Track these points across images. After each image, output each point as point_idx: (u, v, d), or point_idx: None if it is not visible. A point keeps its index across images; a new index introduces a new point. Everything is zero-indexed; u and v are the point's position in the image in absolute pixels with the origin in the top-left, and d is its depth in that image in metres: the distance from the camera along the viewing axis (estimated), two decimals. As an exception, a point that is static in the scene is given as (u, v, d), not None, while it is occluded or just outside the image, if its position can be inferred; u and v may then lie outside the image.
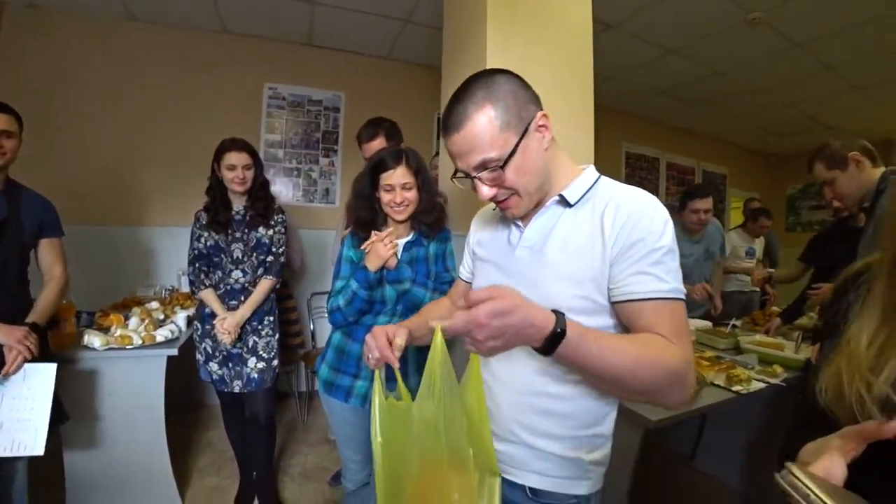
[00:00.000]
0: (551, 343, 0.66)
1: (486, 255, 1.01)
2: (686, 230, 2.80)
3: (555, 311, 0.69)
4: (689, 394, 0.79)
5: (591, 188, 0.87)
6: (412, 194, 1.47)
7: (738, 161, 6.18)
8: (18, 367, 1.57)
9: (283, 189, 3.52)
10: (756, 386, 1.82)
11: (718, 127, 5.41)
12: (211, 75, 3.29)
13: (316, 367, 1.62)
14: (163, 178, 3.19)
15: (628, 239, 0.77)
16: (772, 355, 2.18)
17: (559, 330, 0.66)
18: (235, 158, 1.95)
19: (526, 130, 0.80)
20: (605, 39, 3.28)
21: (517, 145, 0.79)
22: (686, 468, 2.51)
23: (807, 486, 0.41)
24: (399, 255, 1.50)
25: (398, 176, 1.44)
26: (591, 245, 0.80)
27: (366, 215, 1.51)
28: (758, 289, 3.83)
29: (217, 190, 2.01)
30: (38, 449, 1.57)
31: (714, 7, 2.86)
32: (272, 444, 2.21)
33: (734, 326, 2.64)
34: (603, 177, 0.89)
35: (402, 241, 1.53)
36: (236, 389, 1.99)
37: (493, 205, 0.98)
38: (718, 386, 1.82)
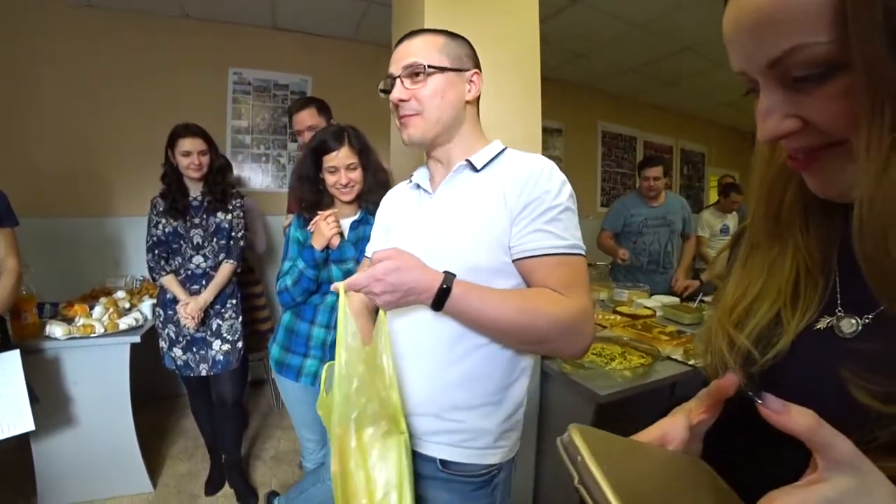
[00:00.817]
0: (439, 299, 0.76)
1: (395, 224, 1.02)
2: (641, 196, 3.10)
3: (445, 272, 0.78)
4: (584, 345, 0.84)
5: (496, 156, 0.92)
6: (357, 174, 1.47)
7: (717, 139, 6.19)
8: None
9: (251, 175, 3.49)
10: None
11: (695, 104, 5.40)
12: (174, 62, 3.22)
13: (268, 348, 1.64)
14: (128, 167, 3.15)
15: (526, 199, 0.83)
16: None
17: (445, 287, 0.76)
18: (190, 144, 1.94)
19: (459, 70, 0.89)
20: (571, 14, 3.25)
21: (446, 69, 0.87)
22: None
23: (578, 449, 0.34)
24: (346, 235, 1.51)
25: (341, 157, 1.44)
26: (495, 207, 0.85)
27: (311, 197, 1.51)
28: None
29: (173, 177, 1.99)
30: (28, 424, 1.67)
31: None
32: (241, 427, 2.23)
33: (702, 301, 2.68)
34: (510, 149, 0.94)
35: (348, 221, 1.54)
36: (203, 373, 2.00)
37: (400, 185, 1.09)
38: (675, 360, 1.85)
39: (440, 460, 0.88)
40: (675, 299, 2.86)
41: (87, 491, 2.09)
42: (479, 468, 0.88)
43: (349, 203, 1.51)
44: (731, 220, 3.98)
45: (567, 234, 0.83)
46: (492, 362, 0.87)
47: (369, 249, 1.10)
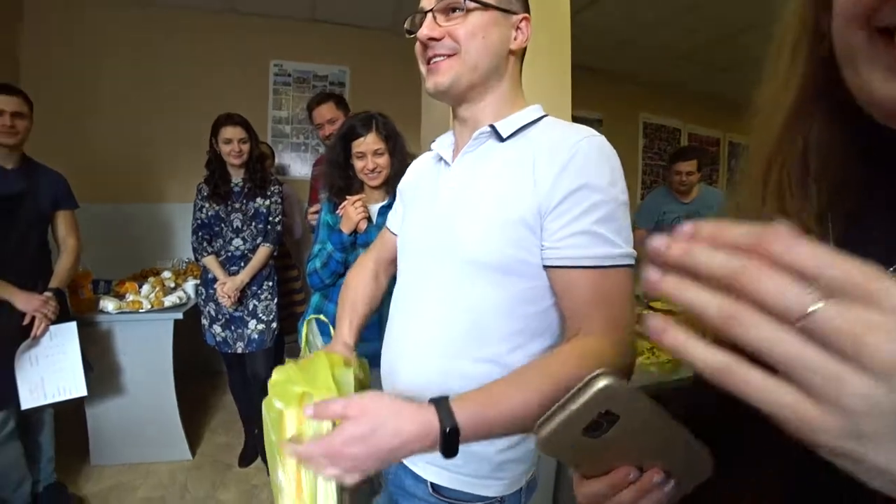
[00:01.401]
0: (448, 445, 0.54)
1: (412, 199, 0.89)
2: (672, 191, 2.88)
3: (433, 401, 0.56)
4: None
5: (530, 124, 0.73)
6: (384, 160, 1.50)
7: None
8: (45, 331, 1.77)
9: (290, 163, 3.62)
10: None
11: (747, 94, 5.03)
12: (220, 55, 3.38)
13: (297, 328, 1.71)
14: (177, 156, 3.33)
15: (570, 185, 0.64)
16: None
17: (448, 429, 0.53)
18: (231, 132, 2.04)
19: (506, 11, 0.72)
20: (612, 2, 3.16)
21: (490, 6, 0.70)
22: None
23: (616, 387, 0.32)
24: (374, 220, 1.55)
25: (368, 143, 1.47)
26: (519, 188, 0.67)
27: (340, 182, 1.55)
28: None
29: (216, 163, 2.11)
30: (82, 390, 1.86)
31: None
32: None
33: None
34: (550, 117, 0.76)
35: (377, 206, 1.57)
36: (239, 350, 2.11)
37: (424, 156, 0.94)
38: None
39: (431, 484, 0.76)
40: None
41: (132, 454, 2.25)
42: (472, 498, 0.75)
43: (377, 188, 1.55)
44: None
45: (621, 239, 0.64)
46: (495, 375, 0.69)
47: (389, 219, 0.99)
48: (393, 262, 0.93)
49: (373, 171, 1.49)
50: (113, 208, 3.21)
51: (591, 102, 4.24)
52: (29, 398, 1.77)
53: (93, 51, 3.19)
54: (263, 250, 2.12)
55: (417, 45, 0.74)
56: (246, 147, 2.08)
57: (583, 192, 0.63)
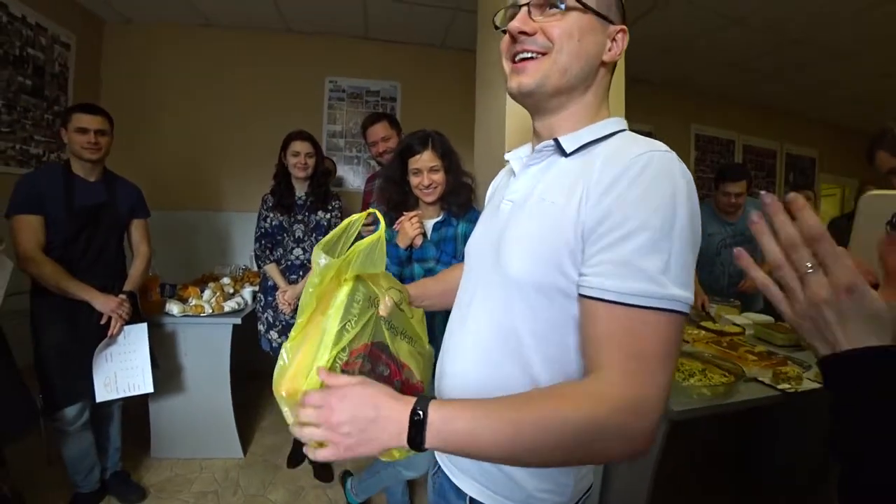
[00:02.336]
0: (414, 433, 0.53)
1: (486, 210, 0.88)
2: (718, 211, 2.72)
3: (420, 396, 0.57)
4: (632, 449, 0.53)
5: (601, 139, 0.66)
6: (439, 177, 1.55)
7: (830, 142, 5.56)
8: (120, 331, 1.92)
9: (344, 176, 3.76)
10: (809, 385, 1.69)
11: (803, 103, 4.87)
12: (277, 72, 3.58)
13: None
14: (237, 168, 3.53)
15: (614, 206, 0.56)
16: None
17: (416, 417, 0.53)
18: (299, 146, 2.17)
19: (603, 17, 0.66)
20: (662, 11, 3.11)
21: (589, 9, 0.65)
22: (724, 472, 2.35)
23: None
24: (429, 236, 1.59)
25: (425, 160, 1.53)
26: (566, 207, 0.61)
27: (397, 198, 1.62)
28: None
29: (282, 175, 2.24)
30: (149, 387, 2.01)
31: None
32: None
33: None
34: (627, 132, 0.68)
35: (431, 222, 1.62)
36: (293, 356, 2.20)
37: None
38: (762, 383, 1.71)
39: (470, 498, 0.74)
40: (769, 318, 2.64)
41: (189, 449, 2.39)
42: None
43: (432, 204, 1.60)
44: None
45: (669, 278, 0.53)
46: None
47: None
48: None
49: (428, 186, 1.54)
50: (175, 216, 3.43)
51: (639, 114, 4.17)
52: (103, 392, 1.92)
53: (159, 69, 3.47)
54: (323, 261, 2.22)
55: (505, 39, 0.69)
56: (311, 161, 2.19)
57: (628, 213, 0.54)
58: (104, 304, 1.87)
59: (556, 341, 0.63)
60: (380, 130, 2.29)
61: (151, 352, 2.03)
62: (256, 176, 3.35)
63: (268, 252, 2.23)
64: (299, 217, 2.24)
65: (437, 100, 3.68)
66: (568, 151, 0.67)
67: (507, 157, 0.80)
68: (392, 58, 3.73)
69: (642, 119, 4.35)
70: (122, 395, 1.97)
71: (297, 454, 2.42)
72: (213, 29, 3.50)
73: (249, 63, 3.56)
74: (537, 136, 0.74)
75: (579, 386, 0.56)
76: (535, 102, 0.69)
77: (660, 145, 0.60)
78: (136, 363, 2.01)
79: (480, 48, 2.10)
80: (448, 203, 1.60)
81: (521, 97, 0.69)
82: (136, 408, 2.26)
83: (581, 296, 0.58)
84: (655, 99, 4.45)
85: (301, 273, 2.23)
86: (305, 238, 2.24)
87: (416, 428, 0.53)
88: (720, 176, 2.67)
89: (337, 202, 2.32)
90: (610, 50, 0.68)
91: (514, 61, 0.68)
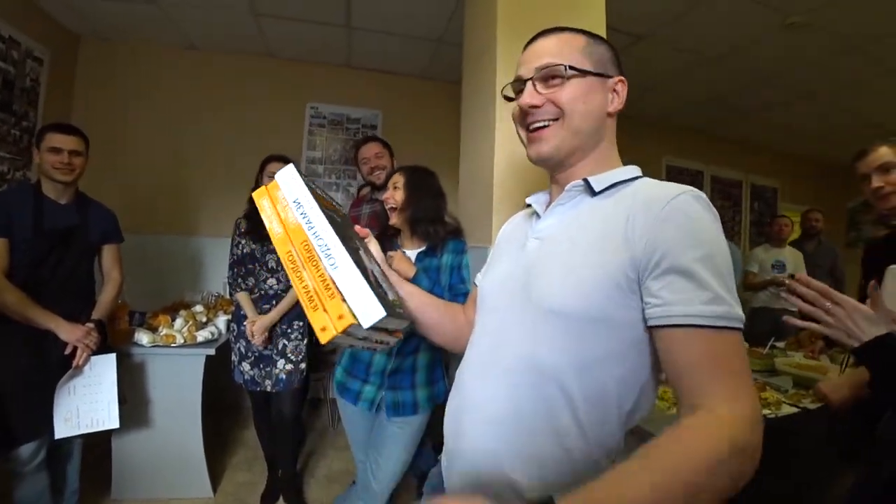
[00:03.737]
0: None
1: (500, 252, 0.89)
2: None
3: (539, 499, 0.51)
4: (757, 459, 0.55)
5: (625, 182, 0.73)
6: (399, 195, 1.58)
7: (791, 173, 5.84)
8: (86, 361, 1.82)
9: (322, 203, 3.71)
10: (787, 410, 1.74)
11: (767, 137, 5.15)
12: (258, 96, 3.56)
13: (333, 370, 1.72)
14: (212, 191, 3.45)
15: (667, 245, 0.60)
16: (809, 378, 2.06)
17: None
18: (276, 168, 2.12)
19: (602, 76, 0.74)
20: (636, 51, 3.26)
21: (587, 73, 0.72)
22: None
23: None
24: (415, 266, 1.58)
25: (394, 179, 1.63)
26: (611, 240, 0.65)
27: (385, 222, 1.64)
28: (794, 308, 3.69)
29: None
30: (114, 422, 1.88)
31: (748, 14, 2.79)
32: (297, 444, 2.32)
33: (773, 346, 2.52)
34: (646, 178, 0.75)
35: (415, 252, 1.61)
36: (267, 388, 2.11)
37: (519, 213, 0.94)
38: (743, 408, 1.75)
39: None
40: (745, 344, 2.70)
41: (153, 489, 2.24)
42: None
43: (412, 236, 1.62)
44: (791, 257, 3.74)
45: (732, 299, 0.59)
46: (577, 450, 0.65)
47: (479, 277, 0.94)
48: (472, 310, 0.91)
49: (388, 202, 1.60)
50: (144, 239, 3.30)
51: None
52: (63, 428, 1.79)
53: (136, 89, 3.40)
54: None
55: (516, 110, 0.76)
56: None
57: (681, 248, 0.59)
58: (70, 333, 1.77)
59: (598, 373, 0.64)
60: (373, 149, 2.31)
61: (119, 385, 1.92)
62: (233, 201, 3.26)
63: (240, 280, 2.16)
64: (272, 246, 2.17)
65: (418, 129, 3.71)
66: (597, 190, 0.72)
67: (529, 200, 0.85)
68: (374, 86, 3.76)
69: (619, 150, 4.49)
70: (84, 430, 1.84)
71: (272, 491, 2.30)
72: (194, 51, 3.47)
73: (229, 86, 3.52)
74: (557, 185, 0.80)
75: (704, 419, 0.54)
76: (556, 164, 0.77)
77: (688, 186, 0.65)
78: (102, 397, 1.89)
79: (466, 80, 2.13)
80: (422, 231, 1.60)
81: (542, 163, 0.76)
82: (97, 445, 2.11)
83: (664, 326, 0.59)
84: (630, 132, 4.58)
85: (274, 302, 2.15)
86: (279, 268, 2.17)
87: None
88: None
89: None
90: (612, 102, 0.76)
91: (529, 130, 0.76)
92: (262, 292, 2.16)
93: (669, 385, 0.62)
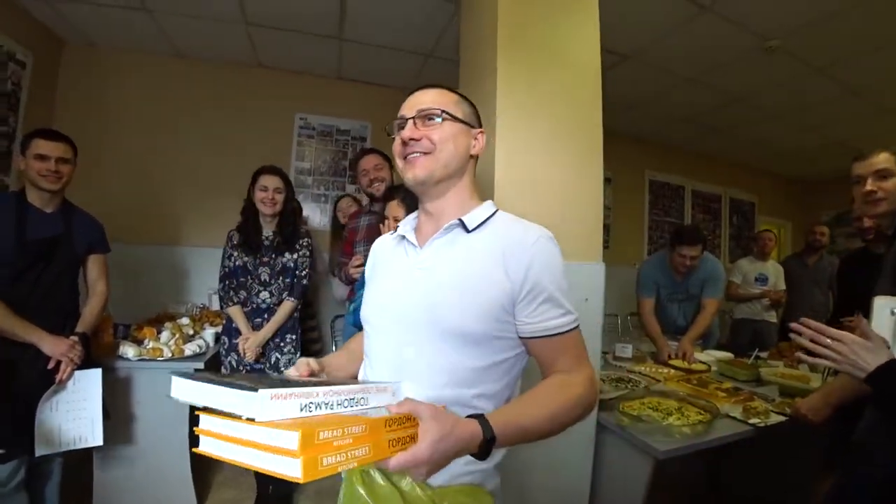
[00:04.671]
0: (485, 450, 0.69)
1: (378, 275, 1.01)
2: (671, 268, 2.84)
3: (474, 417, 0.70)
4: (593, 408, 0.88)
5: (489, 218, 0.91)
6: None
7: (768, 188, 6.07)
8: (70, 376, 1.75)
9: (310, 214, 3.69)
10: (776, 419, 1.78)
11: (744, 154, 5.36)
12: (246, 106, 3.53)
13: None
14: (197, 201, 3.40)
15: (536, 277, 0.83)
16: (794, 387, 2.12)
17: (489, 437, 0.68)
18: (268, 181, 2.11)
19: (468, 124, 0.92)
20: (621, 70, 3.36)
21: (458, 120, 0.90)
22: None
23: None
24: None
25: (392, 206, 1.70)
26: (493, 274, 0.83)
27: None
28: (773, 320, 3.84)
29: (250, 212, 2.15)
30: (98, 440, 1.82)
31: (729, 37, 2.91)
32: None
33: (757, 357, 2.58)
34: (501, 211, 0.94)
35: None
36: (258, 402, 2.07)
37: (387, 236, 1.09)
38: (734, 418, 1.78)
39: None
40: (730, 354, 2.77)
41: (138, 505, 2.15)
42: None
43: None
44: (773, 270, 3.84)
45: (573, 309, 0.86)
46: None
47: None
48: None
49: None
50: (125, 249, 3.20)
51: (599, 160, 4.40)
52: (43, 446, 1.71)
53: (121, 96, 3.34)
54: (288, 305, 2.13)
55: (396, 143, 0.90)
56: (280, 197, 2.13)
57: (546, 280, 0.83)
58: (53, 346, 1.71)
59: (492, 372, 0.86)
60: (372, 160, 2.30)
61: (103, 400, 1.85)
62: (217, 210, 3.24)
63: (231, 293, 2.12)
64: (265, 259, 2.15)
65: (407, 140, 3.73)
66: (470, 228, 0.88)
67: (401, 232, 0.98)
68: (363, 98, 3.77)
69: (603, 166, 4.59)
70: (65, 448, 1.78)
71: (260, 509, 2.24)
72: (181, 59, 3.43)
73: (217, 95, 3.49)
74: (428, 215, 0.95)
75: (569, 377, 0.84)
76: (426, 189, 0.91)
77: (540, 228, 0.89)
78: (86, 413, 1.82)
79: (463, 91, 2.16)
80: None
81: (415, 185, 0.90)
82: (76, 461, 2.03)
83: (538, 337, 0.84)
84: (614, 148, 4.69)
85: (266, 316, 2.12)
86: (272, 281, 2.15)
87: (488, 446, 0.69)
88: (677, 238, 2.74)
89: (306, 240, 2.25)
90: (474, 147, 0.93)
91: (405, 159, 0.89)
92: (255, 305, 2.13)
93: (541, 367, 0.89)
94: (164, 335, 2.29)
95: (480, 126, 0.96)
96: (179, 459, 2.19)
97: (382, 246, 1.07)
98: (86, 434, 1.82)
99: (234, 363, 2.11)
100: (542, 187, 1.77)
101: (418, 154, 0.87)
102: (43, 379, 1.71)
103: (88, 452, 1.99)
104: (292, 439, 0.47)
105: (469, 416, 0.70)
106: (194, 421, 1.81)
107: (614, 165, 4.72)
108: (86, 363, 1.82)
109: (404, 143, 0.88)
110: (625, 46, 3.09)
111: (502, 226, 0.90)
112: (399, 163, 0.91)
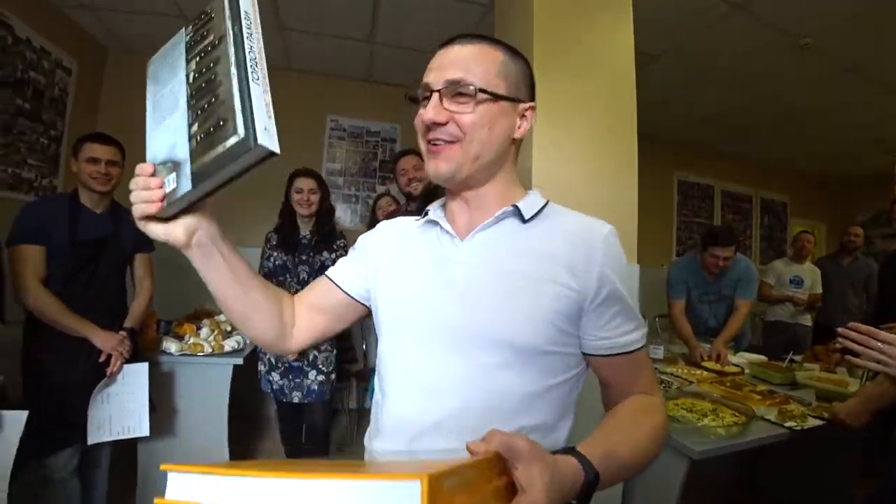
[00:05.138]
0: (587, 494, 0.56)
1: (394, 263, 0.80)
2: (703, 269, 2.81)
3: (569, 451, 0.57)
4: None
5: (543, 208, 0.75)
6: None
7: (800, 188, 5.92)
8: (119, 370, 1.85)
9: (342, 214, 3.77)
10: (812, 423, 1.75)
11: (776, 153, 5.23)
12: (279, 108, 3.57)
13: (369, 381, 1.75)
14: (235, 202, 3.47)
15: (608, 281, 0.67)
16: (832, 391, 2.08)
17: (591, 477, 0.55)
18: (303, 183, 2.19)
19: (512, 100, 0.70)
20: (651, 70, 3.33)
21: (499, 97, 0.68)
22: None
23: None
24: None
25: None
26: (553, 279, 0.67)
27: None
28: (808, 323, 3.74)
29: (287, 214, 2.23)
30: (144, 430, 1.91)
31: (761, 36, 2.86)
32: (326, 455, 2.33)
33: (792, 360, 2.54)
34: (553, 203, 0.78)
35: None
36: (295, 400, 2.15)
37: (408, 219, 0.88)
38: (769, 421, 1.76)
39: None
40: (763, 357, 2.72)
41: (178, 497, 2.24)
42: None
43: None
44: (808, 271, 3.74)
45: (640, 322, 0.73)
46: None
47: (333, 272, 0.88)
48: (311, 308, 0.86)
49: None
50: (163, 247, 3.33)
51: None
52: (95, 434, 1.81)
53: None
54: (327, 303, 2.19)
55: (418, 121, 0.70)
56: (315, 198, 2.20)
57: (617, 286, 0.68)
58: (105, 341, 1.79)
59: (547, 399, 0.69)
60: (411, 161, 2.34)
61: (149, 393, 1.94)
62: (253, 212, 3.32)
63: None
64: (303, 257, 2.21)
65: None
66: (527, 217, 0.72)
67: (433, 216, 0.79)
68: (393, 100, 3.81)
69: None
70: (114, 437, 1.87)
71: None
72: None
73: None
74: (461, 200, 0.76)
75: (650, 399, 0.73)
76: (454, 186, 0.74)
77: (601, 220, 0.73)
78: (133, 405, 1.91)
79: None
80: None
81: (439, 181, 0.72)
82: (122, 450, 2.13)
83: (611, 355, 0.70)
84: (642, 149, 4.65)
85: None
86: (310, 279, 2.21)
87: (591, 487, 0.56)
88: (710, 239, 2.71)
89: (342, 241, 2.31)
90: (520, 127, 0.73)
91: (429, 142, 0.70)
92: (293, 304, 2.20)
93: (605, 388, 0.77)
94: (204, 331, 2.38)
95: (532, 98, 0.74)
96: (218, 451, 2.27)
97: (403, 230, 0.85)
98: (133, 425, 1.91)
99: (272, 360, 2.18)
100: (585, 193, 1.78)
101: (442, 142, 0.68)
102: (95, 372, 1.80)
103: (133, 442, 2.08)
104: (413, 493, 0.34)
105: (557, 452, 0.56)
106: (233, 416, 1.85)
107: (642, 166, 4.63)
108: (133, 358, 1.91)
109: (427, 126, 0.69)
110: (655, 46, 3.07)
111: (562, 218, 0.73)
112: (422, 145, 0.72)
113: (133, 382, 1.91)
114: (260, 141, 0.50)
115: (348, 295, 0.85)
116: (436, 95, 0.67)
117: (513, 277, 0.68)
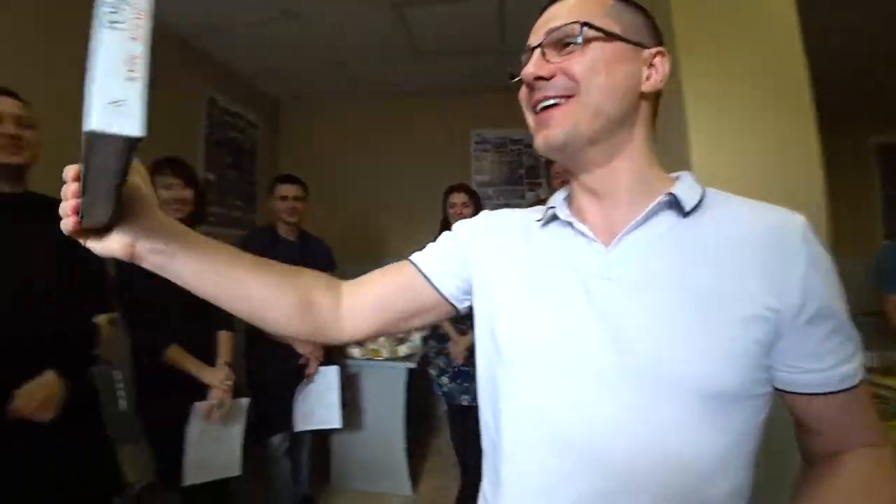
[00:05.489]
0: None
1: (537, 273, 0.61)
2: None
3: None
4: None
5: (703, 196, 0.56)
6: None
7: None
8: (315, 371, 2.21)
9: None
10: None
11: None
12: (426, 130, 3.92)
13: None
14: (399, 220, 3.87)
15: (821, 297, 0.50)
16: None
17: None
18: (456, 197, 2.37)
19: (633, 43, 0.55)
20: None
21: (613, 36, 0.54)
22: None
23: None
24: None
25: None
26: (743, 293, 0.50)
27: None
28: None
29: (445, 226, 2.41)
30: (338, 423, 2.27)
31: None
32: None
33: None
34: (711, 189, 0.58)
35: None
36: (464, 402, 2.29)
37: (514, 212, 0.72)
38: None
39: None
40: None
41: (364, 483, 2.59)
42: None
43: None
44: None
45: (859, 343, 0.54)
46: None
47: (423, 262, 0.73)
48: (381, 299, 0.72)
49: None
50: (344, 269, 3.80)
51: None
52: (301, 423, 2.21)
53: (331, 140, 4.04)
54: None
55: (523, 89, 0.59)
56: (468, 211, 2.34)
57: (832, 299, 0.51)
58: (304, 345, 2.15)
59: (739, 451, 0.51)
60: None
61: (341, 392, 2.27)
62: (417, 227, 3.54)
63: None
64: None
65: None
66: (688, 209, 0.54)
67: (562, 215, 0.61)
68: (531, 107, 3.85)
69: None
70: (315, 427, 2.24)
71: (467, 498, 2.43)
72: (359, 98, 3.97)
73: (402, 124, 3.95)
74: (589, 194, 0.60)
75: (882, 453, 0.55)
76: (572, 156, 0.57)
77: (787, 211, 0.54)
78: (328, 401, 2.26)
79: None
80: None
81: (553, 152, 0.57)
82: (318, 441, 2.50)
83: (825, 393, 0.52)
84: (820, 105, 3.95)
85: (469, 322, 2.31)
86: None
87: None
88: None
89: None
90: (648, 78, 0.56)
91: (536, 112, 0.58)
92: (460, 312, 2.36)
93: (810, 433, 0.57)
94: (381, 338, 2.67)
95: (659, 42, 0.58)
96: (397, 446, 2.54)
97: (522, 228, 0.67)
98: (329, 418, 2.25)
99: (442, 364, 2.36)
100: (752, 188, 1.57)
101: (553, 100, 0.55)
102: (297, 372, 2.18)
103: (326, 433, 2.45)
104: None
105: None
106: (412, 414, 2.03)
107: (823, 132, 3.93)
108: (327, 361, 2.26)
109: (530, 88, 0.57)
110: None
111: (732, 207, 0.55)
112: (529, 119, 0.60)
113: (327, 382, 2.26)
114: (94, 126, 0.31)
115: (438, 292, 0.71)
116: (537, 50, 0.56)
117: (689, 297, 0.50)
